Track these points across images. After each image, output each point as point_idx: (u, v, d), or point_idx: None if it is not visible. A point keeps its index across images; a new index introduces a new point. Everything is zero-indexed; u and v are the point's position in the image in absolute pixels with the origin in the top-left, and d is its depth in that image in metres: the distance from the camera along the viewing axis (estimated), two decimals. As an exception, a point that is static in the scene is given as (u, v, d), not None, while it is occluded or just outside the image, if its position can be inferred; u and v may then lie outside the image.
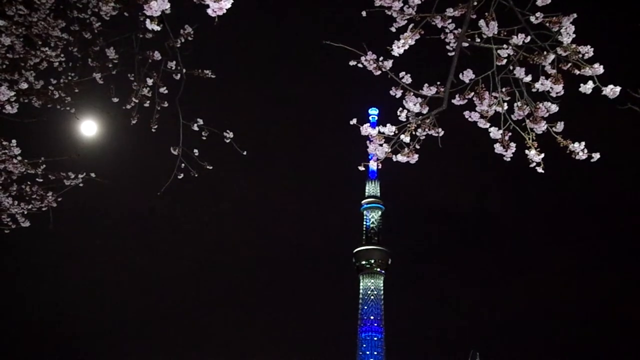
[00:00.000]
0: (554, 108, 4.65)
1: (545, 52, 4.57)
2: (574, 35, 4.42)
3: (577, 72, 4.51)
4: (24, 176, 6.60)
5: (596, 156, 4.59)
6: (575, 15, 4.41)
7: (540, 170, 4.73)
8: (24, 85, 5.84)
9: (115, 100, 6.27)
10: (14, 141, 6.31)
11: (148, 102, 6.10)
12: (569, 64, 4.52)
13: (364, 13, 4.95)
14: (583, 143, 4.58)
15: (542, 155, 4.68)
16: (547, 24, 4.47)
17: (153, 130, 6.15)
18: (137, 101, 6.05)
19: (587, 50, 4.45)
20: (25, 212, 6.84)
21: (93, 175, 6.89)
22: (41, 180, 6.72)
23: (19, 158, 6.36)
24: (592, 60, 4.43)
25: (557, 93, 4.63)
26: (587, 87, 4.52)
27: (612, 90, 4.47)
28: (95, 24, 5.97)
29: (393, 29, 4.81)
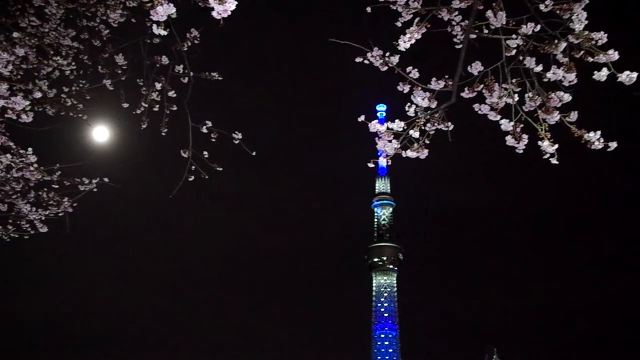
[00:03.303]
0: (567, 97, 4.51)
1: (556, 41, 4.44)
2: (586, 22, 4.28)
3: (590, 59, 4.37)
4: (40, 183, 6.75)
5: (613, 145, 4.44)
6: (587, 1, 4.28)
7: (554, 161, 4.60)
8: (38, 94, 5.97)
9: (126, 105, 6.37)
10: (30, 149, 6.46)
11: (157, 106, 6.17)
12: (582, 52, 4.38)
13: (368, 9, 4.90)
14: (599, 132, 4.43)
15: (556, 146, 4.55)
16: (558, 12, 4.34)
17: (163, 133, 6.22)
18: (146, 106, 6.13)
19: (601, 37, 4.30)
20: (43, 218, 6.99)
21: (106, 180, 7.01)
22: (57, 186, 6.86)
23: (35, 165, 6.51)
24: (606, 46, 4.29)
25: (569, 82, 4.49)
26: (602, 75, 4.37)
27: (628, 77, 4.32)
28: (103, 31, 6.07)
29: (399, 24, 4.75)
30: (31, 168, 6.48)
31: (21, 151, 6.40)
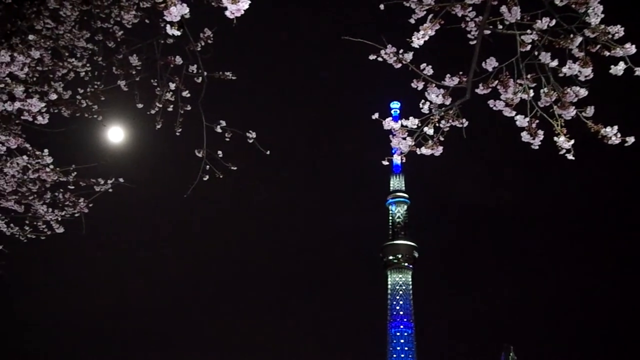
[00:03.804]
0: (583, 92, 4.48)
1: (572, 35, 4.40)
2: (603, 15, 4.24)
3: (607, 53, 4.34)
4: (56, 184, 6.81)
5: (630, 140, 4.40)
6: (602, -6, 4.24)
7: (570, 157, 4.57)
8: (54, 96, 6.03)
9: (140, 106, 6.42)
10: (46, 150, 6.52)
11: (171, 106, 6.21)
12: (598, 46, 4.34)
13: (382, 6, 4.90)
14: (616, 127, 4.39)
15: (572, 141, 4.52)
16: (573, 6, 4.30)
17: (177, 133, 6.26)
18: (161, 106, 6.17)
19: (618, 30, 4.26)
20: (59, 219, 7.07)
21: (122, 180, 7.06)
22: (73, 187, 6.93)
23: (51, 167, 6.58)
24: (623, 40, 4.25)
25: (585, 77, 4.45)
26: (619, 69, 4.33)
27: (646, 71, 4.28)
28: (118, 32, 6.13)
29: (412, 21, 4.74)
30: (47, 169, 6.55)
31: (37, 152, 6.47)
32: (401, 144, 4.87)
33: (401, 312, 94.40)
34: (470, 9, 4.71)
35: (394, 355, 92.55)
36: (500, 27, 4.61)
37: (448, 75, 4.74)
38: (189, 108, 6.15)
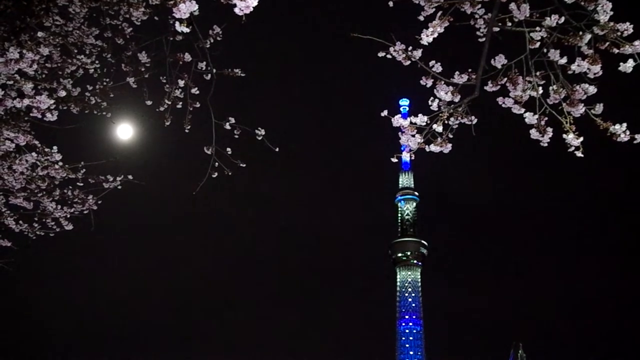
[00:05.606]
0: (592, 90, 4.50)
1: (580, 33, 4.41)
2: (612, 13, 4.26)
3: (615, 50, 4.35)
4: (65, 181, 6.85)
5: (639, 137, 4.42)
6: (612, -9, 4.25)
7: (579, 154, 4.59)
8: (63, 93, 6.06)
9: (149, 103, 6.44)
10: (55, 147, 6.55)
11: (180, 103, 6.24)
12: (607, 43, 4.36)
13: (390, 3, 4.92)
14: (625, 124, 4.41)
15: (581, 138, 4.54)
16: (582, 3, 4.31)
17: (186, 130, 6.28)
18: (169, 103, 6.19)
19: (627, 28, 4.27)
20: (68, 216, 7.11)
21: (130, 177, 7.09)
22: (82, 184, 6.97)
23: (60, 164, 6.60)
24: (632, 37, 4.26)
25: (594, 74, 4.47)
26: (627, 66, 4.35)
27: (654, 68, 4.30)
28: (126, 29, 6.15)
29: (421, 18, 4.75)
30: (56, 166, 6.57)
31: (46, 149, 6.50)
32: (410, 141, 4.89)
33: (410, 309, 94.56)
34: (479, 6, 4.71)
35: (403, 352, 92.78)
36: (509, 24, 4.62)
37: (457, 72, 4.76)
38: (197, 105, 6.17)
